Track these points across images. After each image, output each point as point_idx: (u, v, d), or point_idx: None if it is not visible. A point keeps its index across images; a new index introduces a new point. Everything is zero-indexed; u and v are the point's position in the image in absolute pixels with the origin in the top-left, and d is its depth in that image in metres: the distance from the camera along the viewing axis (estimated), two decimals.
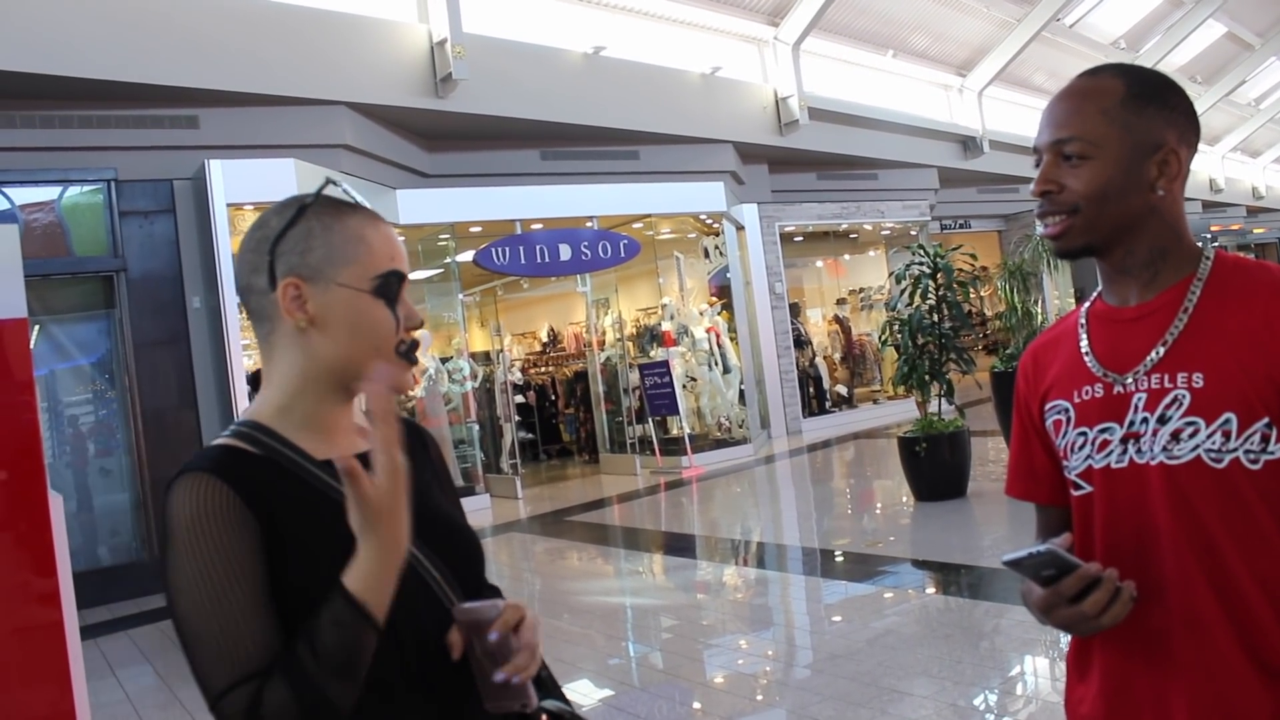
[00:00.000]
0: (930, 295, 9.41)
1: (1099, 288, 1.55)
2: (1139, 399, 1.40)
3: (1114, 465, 1.42)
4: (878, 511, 10.00)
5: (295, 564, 1.22)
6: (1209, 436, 1.34)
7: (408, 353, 1.35)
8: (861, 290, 20.00)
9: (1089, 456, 1.45)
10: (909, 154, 18.34)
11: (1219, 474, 1.34)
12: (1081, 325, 1.52)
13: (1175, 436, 1.36)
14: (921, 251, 9.59)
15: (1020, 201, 22.12)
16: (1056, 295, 20.28)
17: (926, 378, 9.29)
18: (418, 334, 1.38)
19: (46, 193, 9.20)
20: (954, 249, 9.86)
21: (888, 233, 19.43)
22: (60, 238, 9.23)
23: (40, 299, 9.41)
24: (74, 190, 9.34)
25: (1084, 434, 1.46)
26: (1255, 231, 28.11)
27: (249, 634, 1.17)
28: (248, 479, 1.24)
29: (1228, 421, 1.33)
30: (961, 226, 21.32)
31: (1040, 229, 1.48)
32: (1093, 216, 1.41)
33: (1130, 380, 1.42)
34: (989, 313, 19.37)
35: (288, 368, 1.33)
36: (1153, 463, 1.38)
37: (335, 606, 1.15)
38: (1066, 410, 1.49)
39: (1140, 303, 1.45)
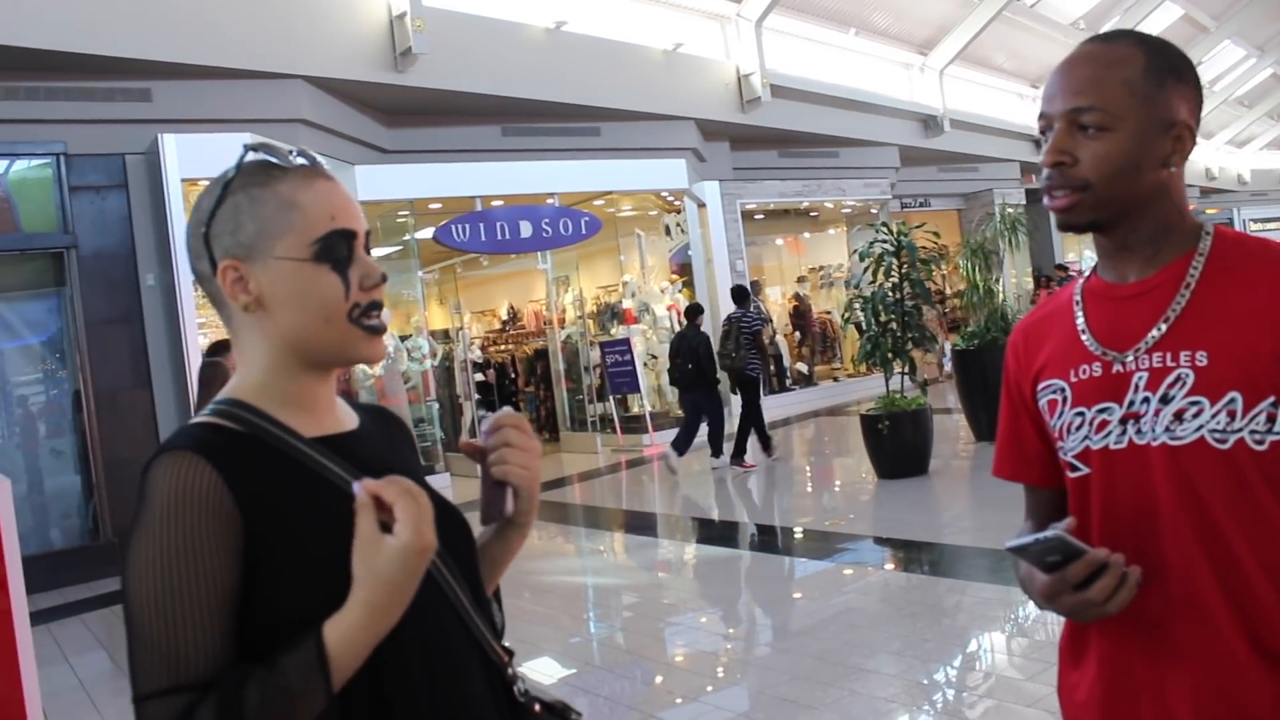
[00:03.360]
0: (893, 273, 9.43)
1: (1093, 264, 1.51)
2: (1140, 378, 1.36)
3: (1113, 446, 1.38)
4: (839, 489, 10.03)
5: (280, 549, 1.14)
6: (1213, 416, 1.30)
7: (364, 316, 1.25)
8: (822, 268, 20.07)
9: (1087, 437, 1.41)
10: (870, 132, 18.35)
11: (1223, 455, 1.31)
12: (1076, 302, 1.47)
13: (1178, 416, 1.33)
14: (885, 230, 9.60)
15: (980, 180, 22.24)
16: (1014, 274, 20.45)
17: (889, 355, 9.32)
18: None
19: None
20: (916, 227, 9.88)
21: (848, 211, 19.49)
22: (8, 213, 9.01)
23: None
24: (21, 164, 9.12)
25: (1081, 414, 1.41)
26: (1208, 212, 28.50)
27: (197, 641, 1.09)
28: (234, 458, 1.16)
29: (1233, 401, 1.29)
30: (921, 205, 21.41)
31: (1045, 201, 1.42)
32: (1104, 193, 1.36)
33: (1130, 359, 1.37)
34: (948, 291, 19.50)
35: (253, 350, 1.26)
36: (1154, 443, 1.35)
37: (305, 649, 1.08)
38: (1062, 390, 1.44)
39: (1140, 279, 1.41)
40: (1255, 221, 30.41)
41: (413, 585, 1.11)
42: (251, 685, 1.06)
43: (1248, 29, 26.22)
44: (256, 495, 1.15)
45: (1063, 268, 19.90)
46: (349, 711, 1.14)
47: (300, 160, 1.26)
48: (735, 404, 11.53)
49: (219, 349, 7.29)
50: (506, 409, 1.40)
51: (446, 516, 1.29)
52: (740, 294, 11.48)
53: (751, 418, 11.01)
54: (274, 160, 1.25)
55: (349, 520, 1.11)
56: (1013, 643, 5.02)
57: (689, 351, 10.89)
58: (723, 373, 11.06)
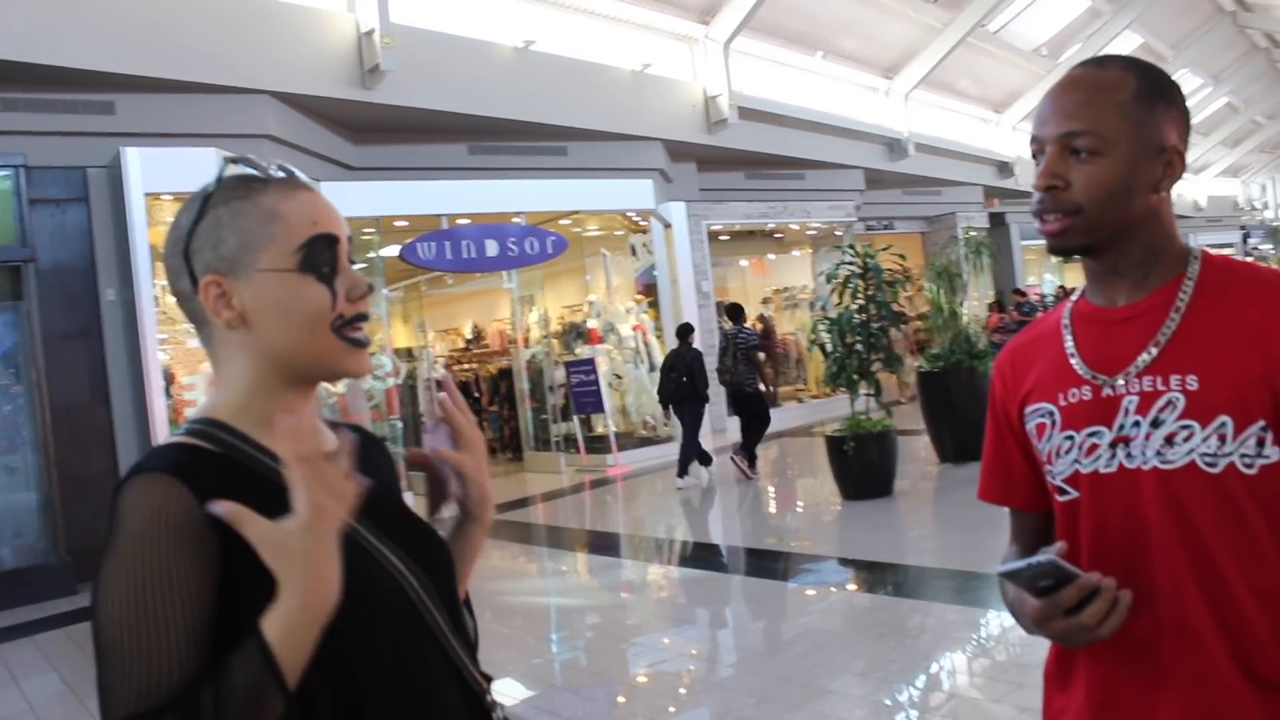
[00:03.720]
0: (859, 295, 9.47)
1: (1081, 287, 1.50)
2: (1130, 402, 1.36)
3: (1103, 470, 1.38)
4: (803, 510, 10.04)
5: (254, 571, 1.10)
6: (1204, 440, 1.30)
7: (347, 327, 1.22)
8: (786, 290, 20.15)
9: (1076, 461, 1.41)
10: (836, 155, 18.50)
11: (1214, 479, 1.31)
12: (1065, 326, 1.47)
13: (1169, 440, 1.33)
14: (852, 251, 9.65)
15: (943, 204, 22.46)
16: (977, 297, 20.62)
17: (855, 377, 9.35)
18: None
19: None
20: (882, 249, 9.94)
21: (813, 233, 19.60)
22: None
23: None
24: None
25: (1071, 437, 1.41)
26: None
27: (170, 665, 1.07)
28: (207, 479, 1.13)
29: (1223, 425, 1.30)
30: (886, 227, 21.56)
31: (1037, 225, 1.41)
32: (1096, 217, 1.36)
33: (1121, 382, 1.37)
34: (911, 313, 19.64)
35: (234, 368, 1.23)
36: (1145, 467, 1.34)
37: (247, 649, 1.05)
38: (1051, 413, 1.44)
39: (1129, 303, 1.41)
40: (1211, 248, 30.83)
41: (330, 550, 1.08)
42: (205, 692, 1.04)
43: (1204, 58, 26.79)
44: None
45: (1020, 292, 20.10)
46: None
47: (281, 174, 1.25)
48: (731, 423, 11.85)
49: None
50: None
51: (424, 539, 1.27)
52: (735, 311, 11.69)
53: (755, 430, 11.16)
54: (254, 173, 1.23)
55: None
56: (976, 664, 5.02)
57: (683, 366, 11.13)
58: (722, 388, 11.40)
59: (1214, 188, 36.78)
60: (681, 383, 11.08)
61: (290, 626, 1.06)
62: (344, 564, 1.09)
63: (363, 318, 1.25)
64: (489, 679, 1.34)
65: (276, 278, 1.19)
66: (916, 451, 11.02)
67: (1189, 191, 34.24)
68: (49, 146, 9.17)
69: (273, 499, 1.15)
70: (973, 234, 14.23)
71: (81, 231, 9.42)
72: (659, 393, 11.78)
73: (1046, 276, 24.94)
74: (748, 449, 11.19)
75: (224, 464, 1.17)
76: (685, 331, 11.52)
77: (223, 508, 1.05)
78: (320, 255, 1.21)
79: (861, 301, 9.47)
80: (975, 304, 19.90)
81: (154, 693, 1.06)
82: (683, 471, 11.16)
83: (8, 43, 8.55)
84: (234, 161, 1.24)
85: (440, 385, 1.42)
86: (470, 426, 1.41)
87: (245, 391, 1.23)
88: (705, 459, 11.26)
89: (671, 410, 11.43)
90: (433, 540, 1.30)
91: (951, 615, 5.72)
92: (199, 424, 1.21)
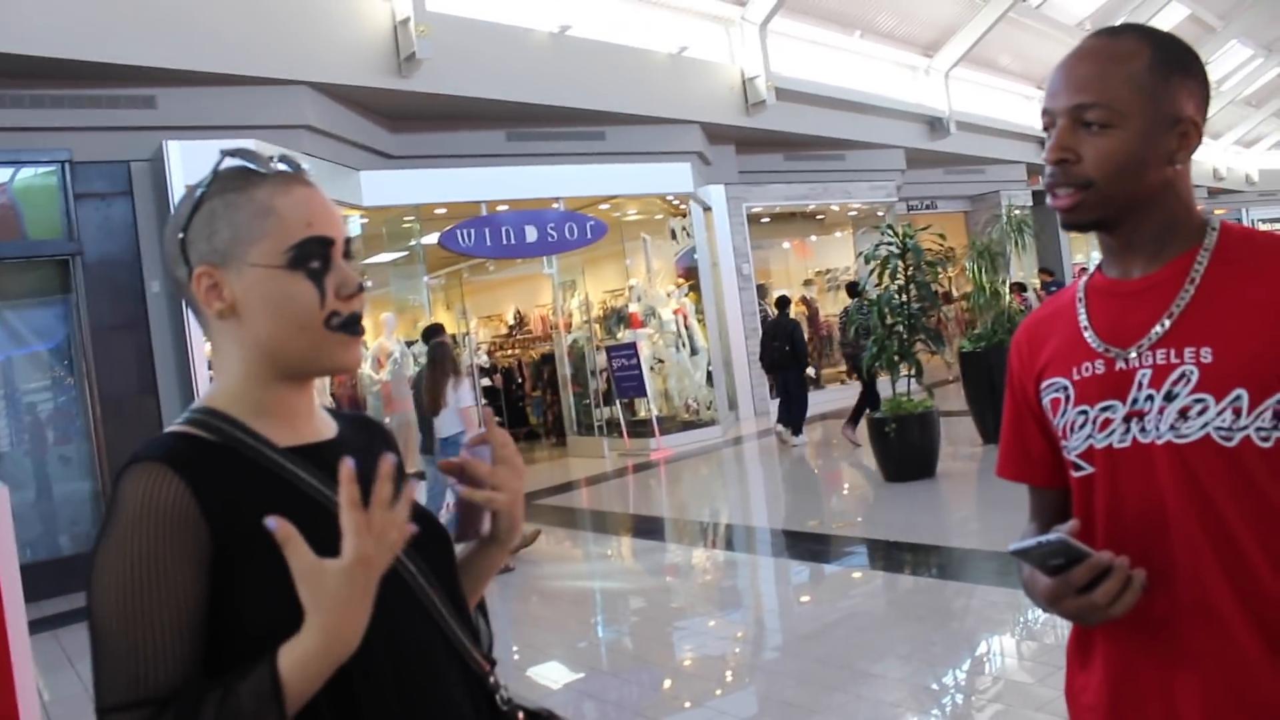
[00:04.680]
0: (899, 276, 9.39)
1: (1096, 261, 1.48)
2: (1143, 375, 1.33)
3: (1116, 445, 1.36)
4: (846, 492, 10.00)
5: (248, 561, 1.12)
6: (1218, 414, 1.28)
7: (343, 325, 1.23)
8: (828, 271, 20.03)
9: (1090, 436, 1.38)
10: (876, 135, 18.31)
11: (1229, 453, 1.28)
12: (1079, 299, 1.45)
13: (1183, 414, 1.30)
14: (890, 232, 9.57)
15: (986, 182, 22.19)
16: (1021, 276, 20.38)
17: (896, 358, 9.29)
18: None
19: None
20: (922, 229, 9.85)
21: (854, 214, 19.45)
22: (13, 220, 9.01)
23: None
24: (26, 172, 9.12)
25: (1084, 412, 1.39)
26: (1216, 213, 28.24)
27: (161, 654, 1.08)
28: (205, 470, 1.14)
29: (1238, 398, 1.27)
30: (928, 207, 21.36)
31: (1049, 200, 1.39)
32: (1108, 191, 1.33)
33: (1134, 355, 1.35)
34: (955, 293, 19.45)
35: (229, 358, 1.24)
36: (1159, 442, 1.32)
37: (259, 676, 1.05)
38: (1065, 388, 1.42)
39: (1144, 275, 1.38)
40: (1263, 221, 30.29)
41: (365, 601, 1.08)
42: (207, 709, 1.05)
43: (1254, 29, 26.15)
44: (226, 506, 1.13)
45: (1048, 271, 19.84)
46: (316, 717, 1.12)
47: (282, 166, 1.25)
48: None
49: (437, 330, 8.90)
50: (488, 429, 1.38)
51: (421, 523, 1.27)
52: (853, 288, 12.82)
53: (868, 398, 11.54)
54: (252, 166, 1.24)
55: (320, 532, 1.08)
56: (1021, 646, 4.98)
57: (784, 335, 12.23)
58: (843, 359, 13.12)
59: (1266, 161, 36.01)
60: (784, 351, 12.15)
61: (307, 664, 1.06)
62: (327, 543, 1.08)
63: (357, 317, 1.25)
64: (493, 662, 1.33)
65: (267, 273, 1.20)
66: (960, 432, 10.94)
67: (1240, 165, 33.57)
68: (93, 141, 9.30)
69: (268, 487, 1.16)
70: (1015, 212, 14.03)
71: (126, 225, 9.56)
72: (761, 360, 13.01)
73: (1094, 255, 24.54)
74: (854, 420, 11.68)
75: (222, 453, 1.18)
76: (784, 303, 12.81)
77: (275, 523, 1.05)
78: (311, 254, 1.21)
79: (901, 282, 9.39)
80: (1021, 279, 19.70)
81: (144, 681, 1.07)
82: (798, 430, 12.28)
83: (52, 40, 8.68)
84: (231, 154, 1.24)
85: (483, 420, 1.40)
86: (510, 448, 1.37)
87: (240, 381, 1.24)
88: (799, 427, 12.32)
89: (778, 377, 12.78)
90: (428, 522, 1.30)
91: (995, 597, 5.67)
92: (198, 413, 1.22)
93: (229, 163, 1.24)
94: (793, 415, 12.26)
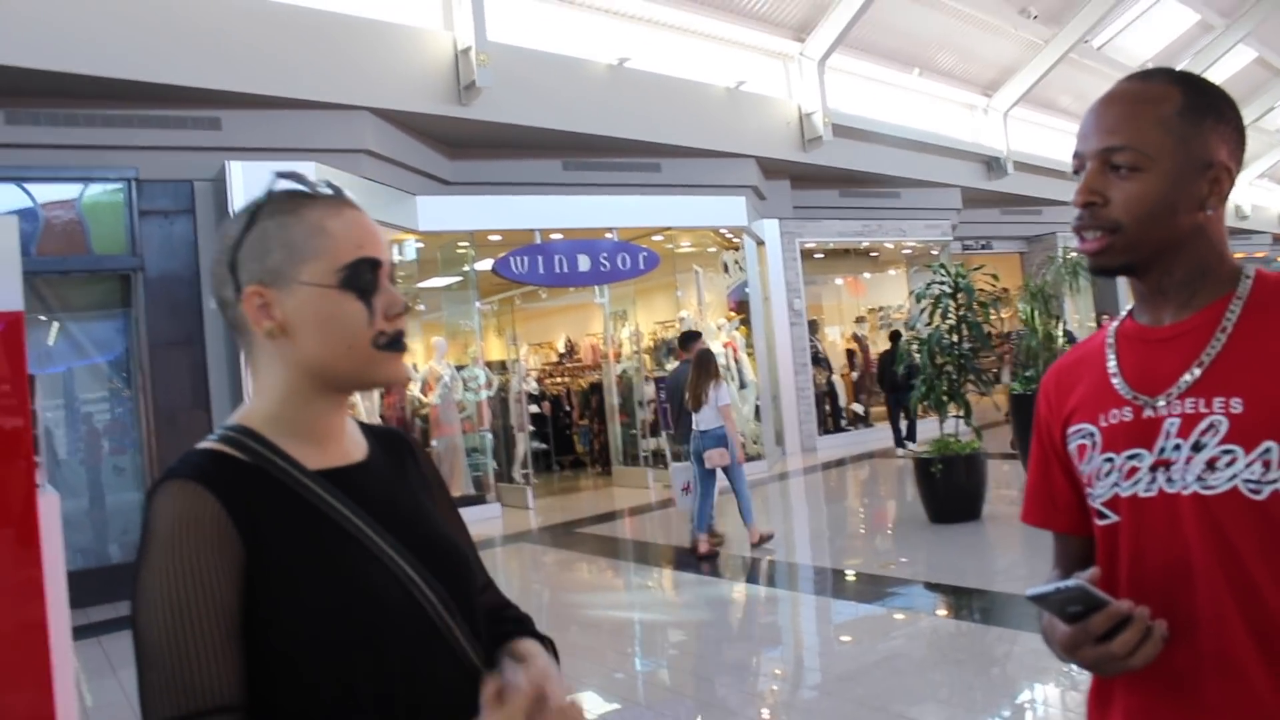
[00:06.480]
0: (950, 315, 9.32)
1: (1129, 306, 1.47)
2: (1171, 424, 1.31)
3: (1142, 494, 1.34)
4: (890, 532, 9.90)
5: (272, 581, 1.14)
6: (1248, 466, 1.25)
7: (390, 344, 1.26)
8: (881, 309, 19.92)
9: (1115, 484, 1.37)
10: (932, 173, 18.23)
11: (1258, 506, 1.25)
12: (1109, 345, 1.43)
13: (1211, 465, 1.28)
14: (943, 271, 9.51)
15: (1043, 223, 21.98)
16: (1077, 318, 20.13)
17: (945, 398, 9.20)
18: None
19: (67, 190, 9.22)
20: (976, 269, 9.78)
21: (909, 252, 19.36)
22: (80, 236, 9.24)
23: (59, 296, 9.44)
24: (95, 189, 9.36)
25: (1110, 460, 1.37)
26: (1257, 255, 27.86)
27: (206, 667, 1.10)
28: (236, 489, 1.17)
29: (1268, 451, 1.24)
30: (984, 247, 21.19)
31: (1076, 243, 1.38)
32: (1136, 235, 1.32)
33: (1162, 404, 1.33)
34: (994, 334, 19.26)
35: (270, 377, 1.27)
36: (1185, 492, 1.30)
37: None
38: (1092, 434, 1.40)
39: (1175, 322, 1.36)
40: None
41: None
42: None
43: None
44: (254, 525, 1.16)
45: (1109, 314, 19.58)
46: None
47: (328, 190, 1.28)
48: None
49: (695, 336, 9.94)
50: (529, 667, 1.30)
51: (441, 548, 1.29)
52: (895, 336, 15.05)
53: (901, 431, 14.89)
54: (302, 189, 1.27)
55: (341, 558, 1.11)
56: (1065, 696, 4.89)
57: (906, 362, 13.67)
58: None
59: None
60: (903, 375, 13.36)
61: None
62: (350, 570, 1.10)
63: (401, 335, 1.28)
64: None
65: (318, 292, 1.23)
66: (1008, 475, 10.79)
67: (1273, 204, 32.77)
68: (158, 161, 9.53)
69: (295, 510, 1.18)
70: (1071, 254, 13.89)
71: (187, 242, 9.75)
72: (879, 381, 15.56)
73: None
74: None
75: (252, 473, 1.20)
76: (897, 337, 14.85)
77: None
78: (362, 275, 1.24)
79: (953, 321, 9.32)
80: (1075, 326, 19.46)
81: (193, 694, 1.09)
82: (912, 439, 14.37)
83: (122, 63, 8.92)
84: (283, 176, 1.28)
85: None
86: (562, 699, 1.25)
87: (279, 400, 1.26)
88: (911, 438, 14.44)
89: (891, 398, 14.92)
90: (450, 548, 1.31)
91: (1037, 644, 5.53)
92: (231, 430, 1.25)
93: (280, 185, 1.28)
94: (909, 429, 14.69)
